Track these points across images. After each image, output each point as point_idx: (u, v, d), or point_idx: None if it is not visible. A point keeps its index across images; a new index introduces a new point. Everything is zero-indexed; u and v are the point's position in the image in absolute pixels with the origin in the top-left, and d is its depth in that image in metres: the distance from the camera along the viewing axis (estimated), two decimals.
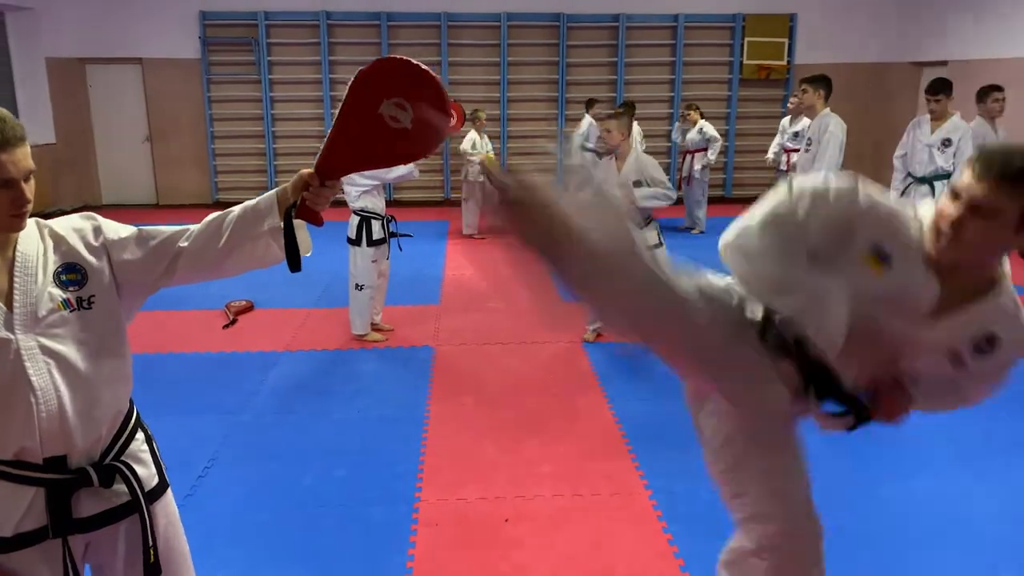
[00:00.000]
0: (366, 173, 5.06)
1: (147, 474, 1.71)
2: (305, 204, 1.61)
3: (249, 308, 6.12)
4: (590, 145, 9.82)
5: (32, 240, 1.59)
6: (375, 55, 10.85)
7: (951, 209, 1.53)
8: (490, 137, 11.05)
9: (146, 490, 1.67)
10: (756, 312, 1.72)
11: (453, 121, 5.52)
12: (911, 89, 10.69)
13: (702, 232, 9.43)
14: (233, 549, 2.98)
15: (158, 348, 5.14)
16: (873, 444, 3.79)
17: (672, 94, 11.33)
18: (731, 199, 11.48)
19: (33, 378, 1.50)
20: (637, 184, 4.99)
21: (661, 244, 5.04)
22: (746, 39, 11.23)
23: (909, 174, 5.67)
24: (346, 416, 4.23)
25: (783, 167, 8.57)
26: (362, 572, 2.87)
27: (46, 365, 1.52)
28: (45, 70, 10.27)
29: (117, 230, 1.68)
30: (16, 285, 1.52)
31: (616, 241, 1.48)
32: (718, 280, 1.79)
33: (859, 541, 3.05)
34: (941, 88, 5.57)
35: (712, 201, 10.10)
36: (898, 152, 5.85)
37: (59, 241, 1.61)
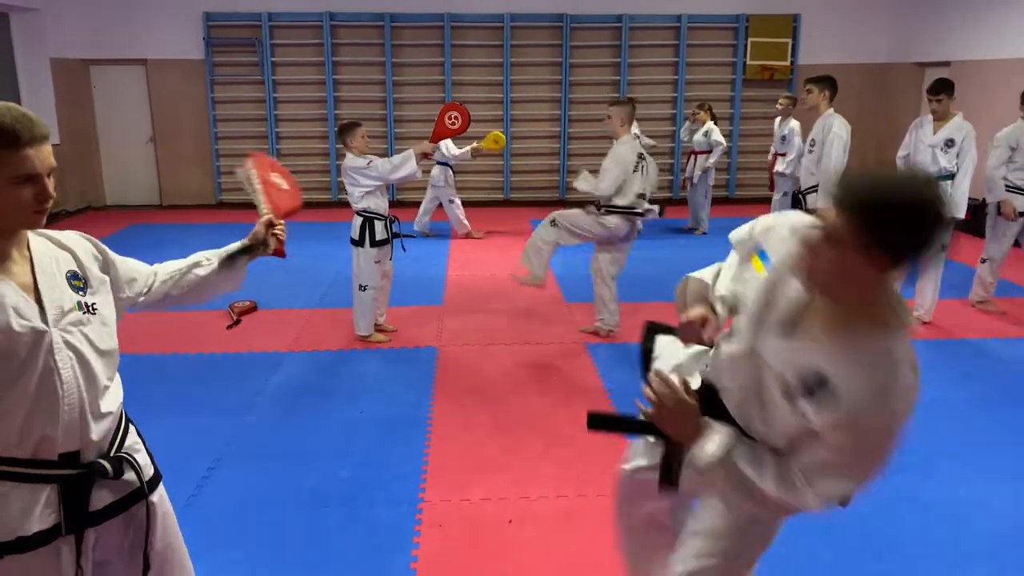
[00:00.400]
0: (370, 174, 5.07)
1: (145, 463, 1.78)
2: (277, 243, 2.10)
3: (253, 308, 6.12)
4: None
5: (38, 241, 1.65)
6: (379, 56, 10.89)
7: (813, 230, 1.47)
8: None
9: (147, 478, 1.75)
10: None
11: (459, 124, 5.53)
12: (914, 89, 10.66)
13: (705, 233, 9.43)
14: (237, 549, 2.98)
15: (162, 349, 5.15)
16: None
17: (675, 94, 11.32)
18: (734, 200, 11.46)
19: (62, 371, 1.56)
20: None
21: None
22: (749, 39, 11.21)
23: None
24: (350, 416, 4.24)
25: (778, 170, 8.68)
26: (366, 572, 2.87)
27: (70, 360, 1.58)
28: (49, 71, 10.28)
29: (113, 254, 1.83)
30: (41, 282, 1.59)
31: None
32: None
33: (862, 544, 3.04)
34: (942, 88, 5.56)
35: (715, 202, 10.09)
36: (900, 153, 5.84)
37: (65, 249, 1.69)
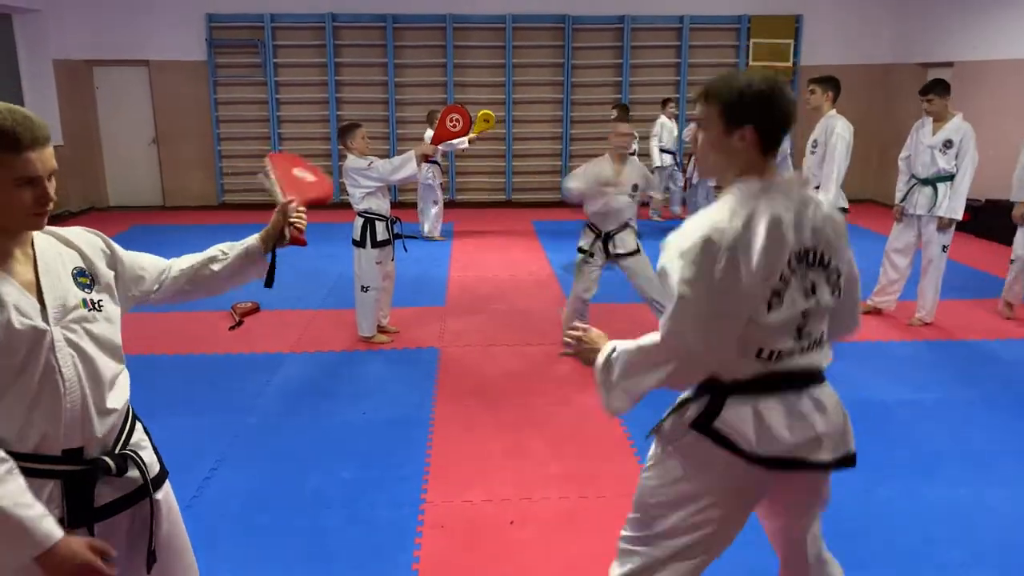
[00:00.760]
0: (371, 175, 5.08)
1: (151, 460, 1.79)
2: (295, 231, 2.06)
3: (255, 309, 6.13)
4: (666, 145, 9.77)
5: (44, 240, 1.66)
6: (381, 57, 10.90)
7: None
8: (495, 139, 11.10)
9: (152, 476, 1.76)
10: None
11: (460, 126, 5.52)
12: (917, 90, 10.65)
13: None
14: (239, 549, 2.99)
15: (165, 349, 5.16)
16: (882, 449, 3.78)
17: (677, 95, 11.32)
18: None
19: (63, 369, 1.57)
20: (635, 188, 5.01)
21: (639, 251, 5.08)
22: (752, 40, 11.21)
23: (913, 175, 5.65)
24: (352, 417, 4.24)
25: None
26: (367, 573, 2.88)
27: (72, 358, 1.59)
28: (52, 72, 10.31)
29: (125, 251, 1.83)
30: (43, 280, 1.60)
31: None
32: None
33: (862, 545, 3.04)
34: (931, 89, 5.55)
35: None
36: (902, 154, 5.83)
37: (71, 246, 1.70)
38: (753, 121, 1.75)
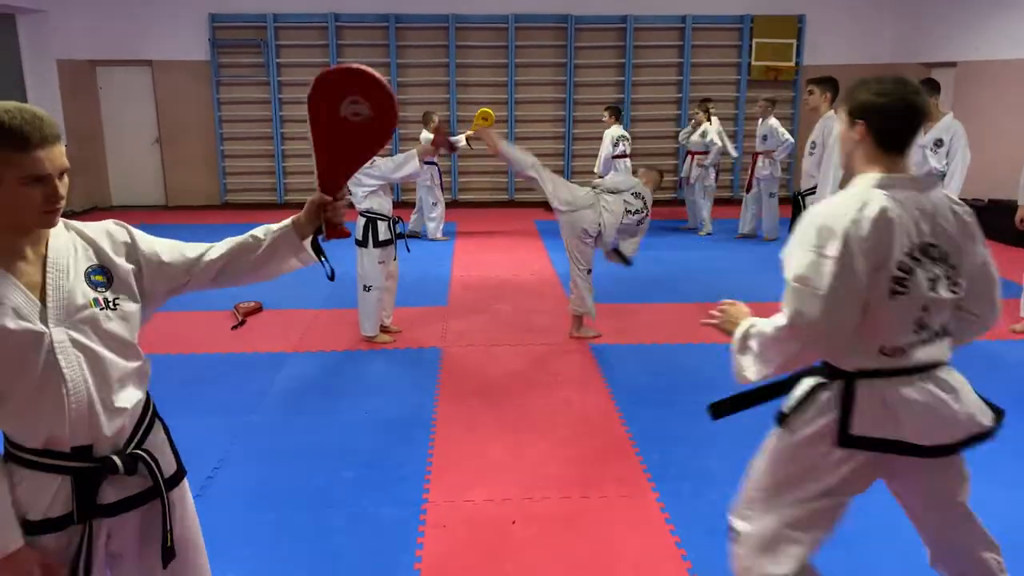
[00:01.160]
0: (373, 173, 5.08)
1: (166, 462, 1.78)
2: (331, 224, 1.84)
3: (258, 309, 6.14)
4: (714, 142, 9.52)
5: (62, 238, 1.65)
6: (383, 57, 10.90)
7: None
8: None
9: (166, 476, 1.75)
10: None
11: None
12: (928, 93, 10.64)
13: (710, 234, 9.45)
14: (241, 549, 2.99)
15: (167, 349, 5.16)
16: None
17: (680, 95, 11.32)
18: (738, 200, 11.44)
19: (65, 370, 1.56)
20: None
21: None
22: (754, 40, 11.20)
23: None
24: (354, 417, 4.25)
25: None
26: (370, 573, 2.88)
27: (77, 358, 1.58)
28: (56, 72, 10.33)
29: (149, 241, 1.77)
30: (49, 281, 1.59)
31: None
32: None
33: (865, 548, 3.04)
34: (923, 88, 5.56)
35: (720, 202, 10.09)
36: None
37: (89, 243, 1.68)
38: (865, 118, 1.93)
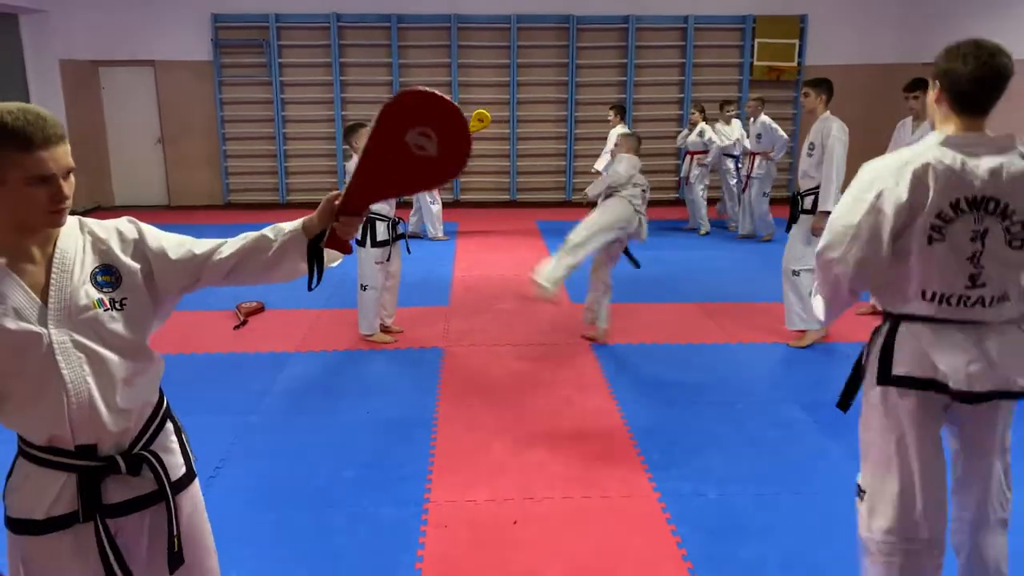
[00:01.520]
0: None
1: (175, 464, 1.76)
2: (335, 234, 1.70)
3: (260, 309, 6.15)
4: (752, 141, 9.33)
5: (72, 238, 1.64)
6: (385, 57, 10.91)
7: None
8: (499, 139, 11.11)
9: (173, 479, 1.73)
10: None
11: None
12: (923, 90, 10.63)
13: (708, 233, 9.45)
14: (243, 548, 2.99)
15: (169, 349, 5.15)
16: None
17: (682, 95, 11.31)
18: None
19: (64, 371, 1.55)
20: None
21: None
22: (756, 40, 11.19)
23: None
24: (355, 417, 4.25)
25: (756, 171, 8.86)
26: (371, 572, 2.88)
27: (78, 359, 1.57)
28: (58, 72, 10.35)
29: (158, 237, 1.74)
30: (52, 281, 1.58)
31: None
32: None
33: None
34: (917, 86, 5.68)
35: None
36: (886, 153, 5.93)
37: (99, 242, 1.67)
38: (940, 81, 2.06)
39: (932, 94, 2.10)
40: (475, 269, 7.66)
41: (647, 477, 3.55)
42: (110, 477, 1.64)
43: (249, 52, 10.98)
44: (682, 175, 9.84)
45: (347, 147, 5.27)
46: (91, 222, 1.69)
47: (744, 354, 5.24)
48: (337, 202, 1.69)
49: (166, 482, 1.70)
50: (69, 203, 1.56)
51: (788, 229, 5.41)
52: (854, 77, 11.07)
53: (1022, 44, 8.85)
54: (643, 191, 5.29)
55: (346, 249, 1.74)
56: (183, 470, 1.78)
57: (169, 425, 1.80)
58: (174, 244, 1.74)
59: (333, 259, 1.74)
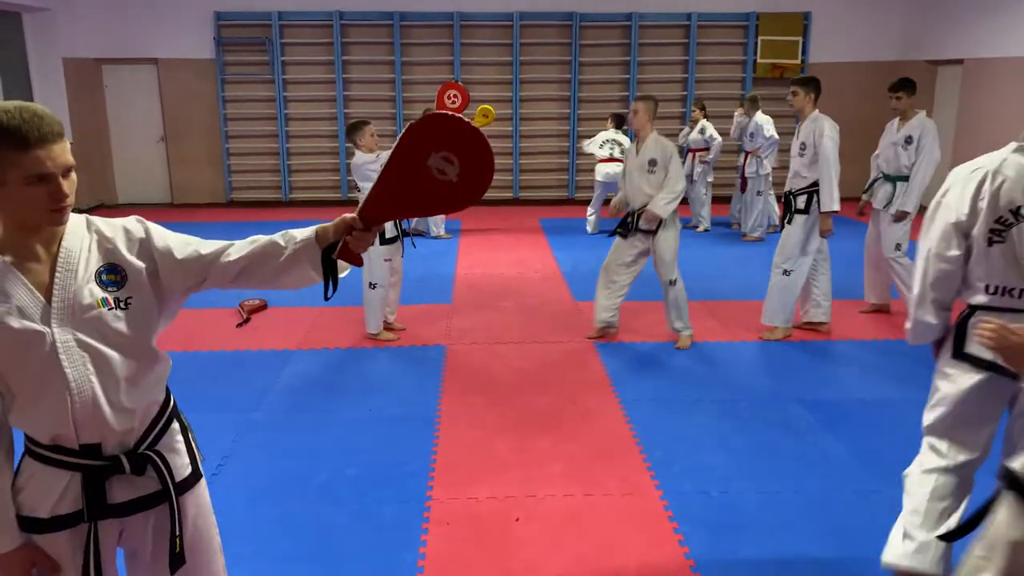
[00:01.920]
0: (377, 167, 5.09)
1: (180, 464, 1.75)
2: (347, 246, 1.68)
3: (263, 307, 6.16)
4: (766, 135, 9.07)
5: (78, 236, 1.63)
6: (388, 55, 10.91)
7: None
8: (502, 136, 11.10)
9: (178, 480, 1.72)
10: None
11: (459, 102, 5.49)
12: (927, 88, 10.60)
13: (707, 230, 9.44)
14: (245, 545, 3.00)
15: (172, 346, 5.17)
16: (886, 448, 3.77)
17: (685, 93, 11.30)
18: None
19: (67, 370, 1.55)
20: (653, 163, 5.07)
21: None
22: (760, 38, 11.18)
23: (883, 172, 5.81)
24: (358, 414, 4.25)
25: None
26: (373, 570, 2.89)
27: (82, 358, 1.57)
28: (62, 70, 10.37)
29: (165, 236, 1.72)
30: (57, 280, 1.57)
31: None
32: None
33: (866, 548, 3.03)
34: (901, 86, 5.74)
35: (722, 200, 10.07)
36: (874, 153, 6.02)
37: (105, 240, 1.66)
38: None
39: None
40: (478, 267, 7.67)
41: (649, 475, 3.55)
42: (115, 477, 1.64)
43: (252, 50, 10.99)
44: (686, 172, 9.81)
45: (350, 145, 5.27)
46: (98, 220, 1.68)
47: (746, 352, 5.24)
48: (353, 215, 1.69)
49: (170, 482, 1.69)
50: (70, 201, 1.55)
51: (781, 228, 5.46)
52: (857, 74, 11.06)
53: (1022, 44, 8.88)
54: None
55: (357, 262, 1.72)
56: (188, 470, 1.77)
57: (175, 425, 1.79)
58: (180, 244, 1.72)
59: (342, 269, 1.73)
